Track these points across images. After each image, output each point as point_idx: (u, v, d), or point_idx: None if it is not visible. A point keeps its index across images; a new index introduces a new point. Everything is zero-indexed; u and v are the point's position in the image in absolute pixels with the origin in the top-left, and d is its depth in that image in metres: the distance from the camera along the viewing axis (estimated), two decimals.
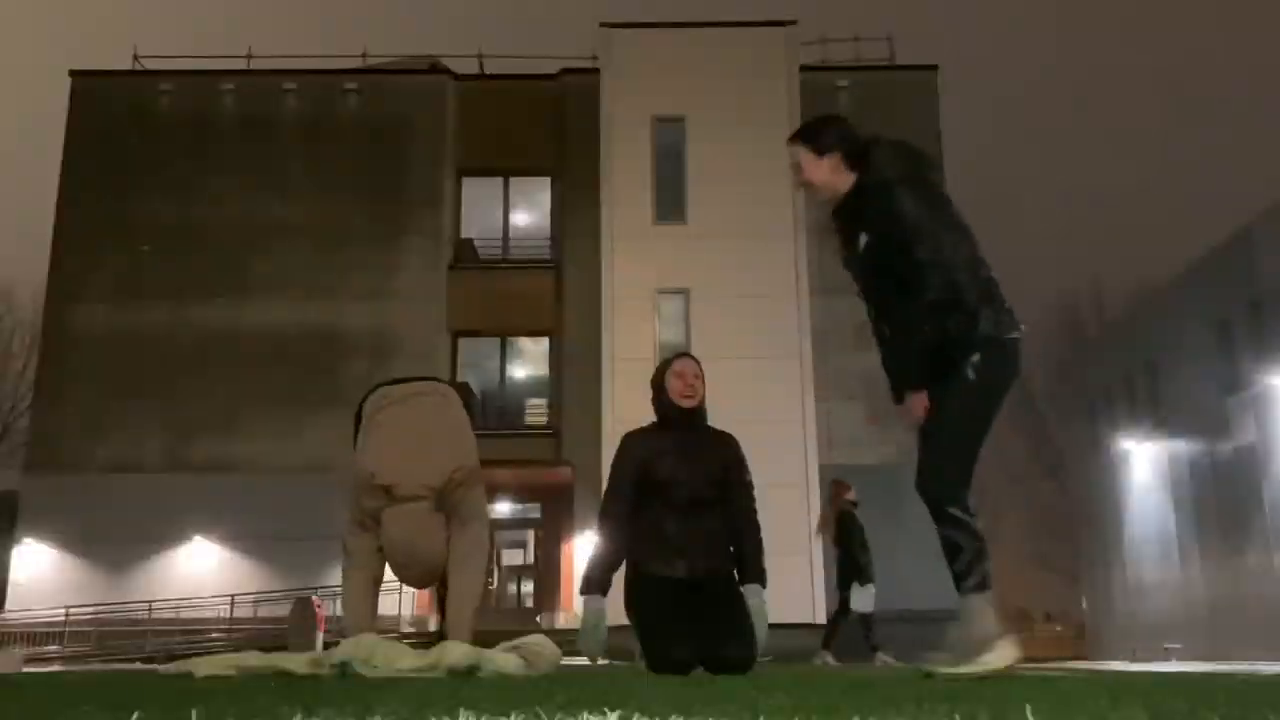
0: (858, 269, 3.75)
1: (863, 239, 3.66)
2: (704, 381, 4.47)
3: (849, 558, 10.33)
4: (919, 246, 3.49)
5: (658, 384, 4.47)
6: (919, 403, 3.54)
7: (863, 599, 10.15)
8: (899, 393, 3.66)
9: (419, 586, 4.51)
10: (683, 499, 4.27)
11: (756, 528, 4.39)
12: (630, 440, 4.47)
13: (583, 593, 4.36)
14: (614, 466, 4.46)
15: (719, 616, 4.19)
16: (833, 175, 3.74)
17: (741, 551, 4.34)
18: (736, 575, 4.34)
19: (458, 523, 4.16)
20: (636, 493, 4.32)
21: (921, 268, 3.49)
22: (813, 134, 3.80)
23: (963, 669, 3.16)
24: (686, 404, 4.39)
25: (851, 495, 10.87)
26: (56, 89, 25.04)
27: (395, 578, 4.29)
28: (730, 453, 4.43)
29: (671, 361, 4.52)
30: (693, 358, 4.54)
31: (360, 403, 4.53)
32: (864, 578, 10.19)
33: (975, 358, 3.46)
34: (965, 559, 3.34)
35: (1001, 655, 3.22)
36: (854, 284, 3.84)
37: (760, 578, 4.32)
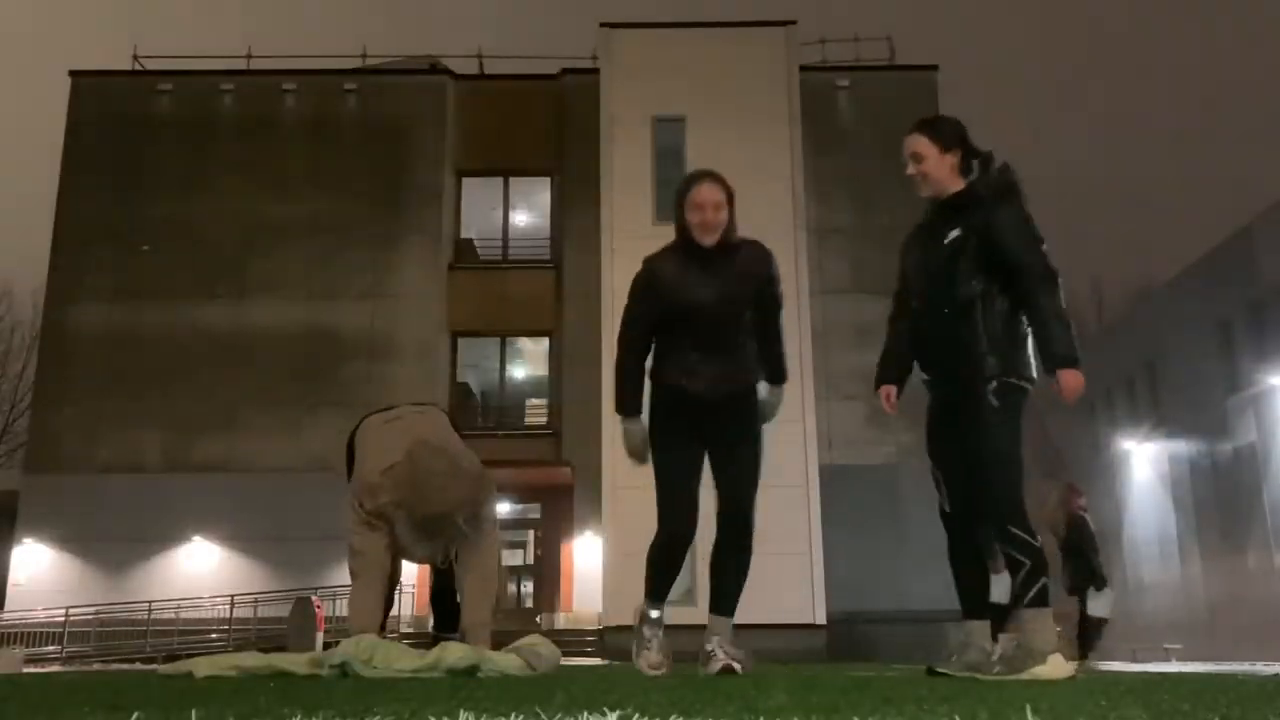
0: (934, 257, 3.88)
1: (954, 233, 3.82)
2: (730, 205, 4.13)
3: (1084, 563, 10.21)
4: (1026, 252, 3.74)
5: (679, 206, 4.18)
6: (1078, 379, 3.76)
7: (1100, 603, 10.18)
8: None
9: (428, 563, 4.46)
10: (706, 325, 4.07)
11: (781, 337, 4.29)
12: (651, 267, 4.20)
13: (619, 413, 4.20)
14: (632, 295, 4.22)
15: (732, 426, 4.10)
16: (950, 174, 3.93)
17: (766, 356, 4.21)
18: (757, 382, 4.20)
19: (471, 525, 4.14)
20: (657, 319, 4.13)
21: (1026, 268, 3.74)
22: (940, 129, 3.97)
23: (1010, 677, 3.30)
24: (707, 240, 4.10)
25: (1083, 502, 10.80)
26: (56, 89, 25.05)
27: (407, 559, 4.26)
28: (762, 273, 4.17)
29: (690, 187, 4.14)
30: (716, 180, 4.16)
31: (350, 435, 4.52)
32: (1099, 582, 10.22)
33: (994, 386, 3.77)
34: (1026, 573, 3.59)
35: (1054, 669, 3.36)
36: (906, 271, 4.07)
37: (782, 377, 4.26)
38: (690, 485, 4.08)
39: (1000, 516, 3.64)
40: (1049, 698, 2.01)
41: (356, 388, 22.31)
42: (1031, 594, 3.54)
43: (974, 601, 3.95)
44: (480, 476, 4.15)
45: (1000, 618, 3.91)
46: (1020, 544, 3.61)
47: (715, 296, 4.05)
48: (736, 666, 4.00)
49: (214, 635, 19.95)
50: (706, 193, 4.12)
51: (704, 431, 4.10)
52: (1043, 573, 3.60)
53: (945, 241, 3.84)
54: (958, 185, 3.90)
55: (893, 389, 4.14)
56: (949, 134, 3.94)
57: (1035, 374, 3.83)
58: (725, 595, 4.21)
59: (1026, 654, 3.43)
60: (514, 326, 23.70)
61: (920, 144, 3.95)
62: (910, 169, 3.96)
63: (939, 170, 3.92)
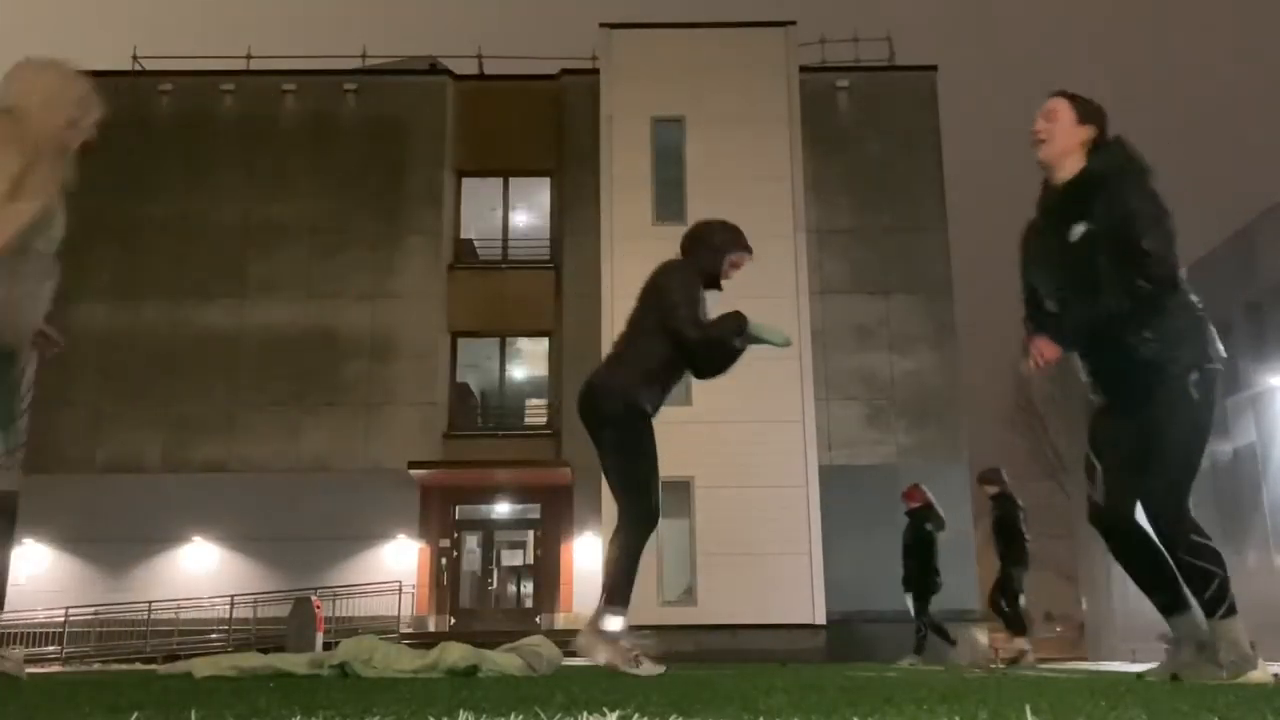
0: (1059, 257, 3.64)
1: (1079, 229, 3.58)
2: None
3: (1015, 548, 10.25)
4: (1148, 237, 3.47)
5: (714, 248, 4.61)
6: (1048, 348, 3.57)
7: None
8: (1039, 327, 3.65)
9: None
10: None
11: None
12: (689, 272, 4.58)
13: (737, 338, 4.47)
14: (682, 281, 4.49)
15: None
16: (1077, 147, 3.66)
17: None
18: None
19: None
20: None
21: (1148, 255, 3.46)
22: (1083, 101, 3.74)
23: (1231, 679, 3.26)
24: (717, 288, 4.69)
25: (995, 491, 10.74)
26: None
27: None
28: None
29: (733, 247, 4.63)
30: (750, 252, 4.69)
31: None
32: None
33: (1195, 376, 3.45)
34: (1219, 584, 3.41)
35: (1263, 673, 3.30)
36: (1032, 271, 3.77)
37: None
38: None
39: (1177, 520, 3.44)
40: (1048, 698, 2.01)
41: (356, 388, 22.31)
42: (1227, 604, 3.44)
43: (1169, 593, 3.65)
44: None
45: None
46: (1204, 550, 3.43)
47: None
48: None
49: (214, 635, 19.96)
50: (747, 259, 4.68)
51: None
52: (1228, 578, 3.45)
53: (1071, 240, 3.59)
54: (1076, 167, 3.64)
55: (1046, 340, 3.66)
56: (1091, 109, 3.70)
57: (1223, 357, 3.56)
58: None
59: (1243, 659, 3.35)
60: (514, 326, 23.69)
61: (1059, 105, 3.72)
62: (1038, 125, 3.71)
63: (1067, 138, 3.66)
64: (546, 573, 22.21)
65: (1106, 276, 3.51)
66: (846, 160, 23.25)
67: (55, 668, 14.51)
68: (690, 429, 18.33)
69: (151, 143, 23.36)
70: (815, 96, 22.46)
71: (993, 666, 8.73)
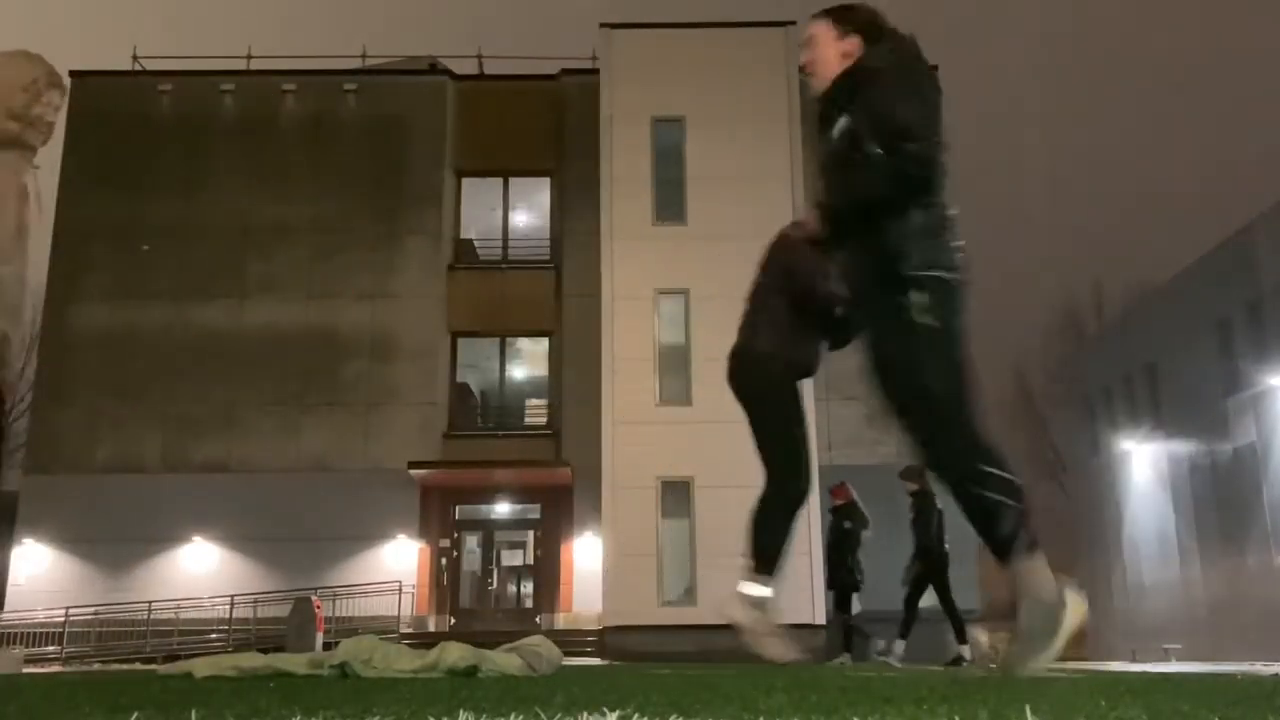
0: (826, 160, 3.27)
1: (840, 123, 3.20)
2: None
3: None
4: (902, 106, 3.07)
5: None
6: (811, 221, 3.30)
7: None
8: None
9: None
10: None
11: None
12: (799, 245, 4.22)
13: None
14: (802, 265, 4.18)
15: None
16: (841, 61, 3.28)
17: None
18: None
19: None
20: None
21: (905, 129, 3.02)
22: (841, 11, 3.37)
23: (1052, 654, 2.78)
24: None
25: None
26: None
27: None
28: None
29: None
30: None
31: None
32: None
33: (925, 299, 2.97)
34: (1016, 518, 2.87)
35: (1075, 610, 2.83)
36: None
37: None
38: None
39: (968, 454, 2.91)
40: (1048, 698, 2.01)
41: (356, 388, 22.31)
42: (1024, 539, 2.88)
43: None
44: None
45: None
46: (993, 480, 2.89)
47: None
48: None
49: (214, 635, 19.96)
50: None
51: None
52: (1028, 510, 2.92)
53: (834, 138, 3.18)
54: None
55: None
56: (851, 17, 3.30)
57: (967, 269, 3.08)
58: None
59: (1046, 612, 2.81)
60: (514, 327, 23.69)
61: (817, 28, 3.34)
62: (803, 58, 3.37)
63: (831, 60, 3.28)
64: (546, 573, 22.21)
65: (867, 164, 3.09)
66: None
67: (55, 668, 14.51)
68: (690, 429, 18.34)
69: (151, 143, 23.37)
70: (815, 96, 22.46)
71: (992, 666, 8.72)
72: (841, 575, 10.78)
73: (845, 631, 10.73)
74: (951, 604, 9.90)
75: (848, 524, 10.78)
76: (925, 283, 2.98)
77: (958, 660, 9.68)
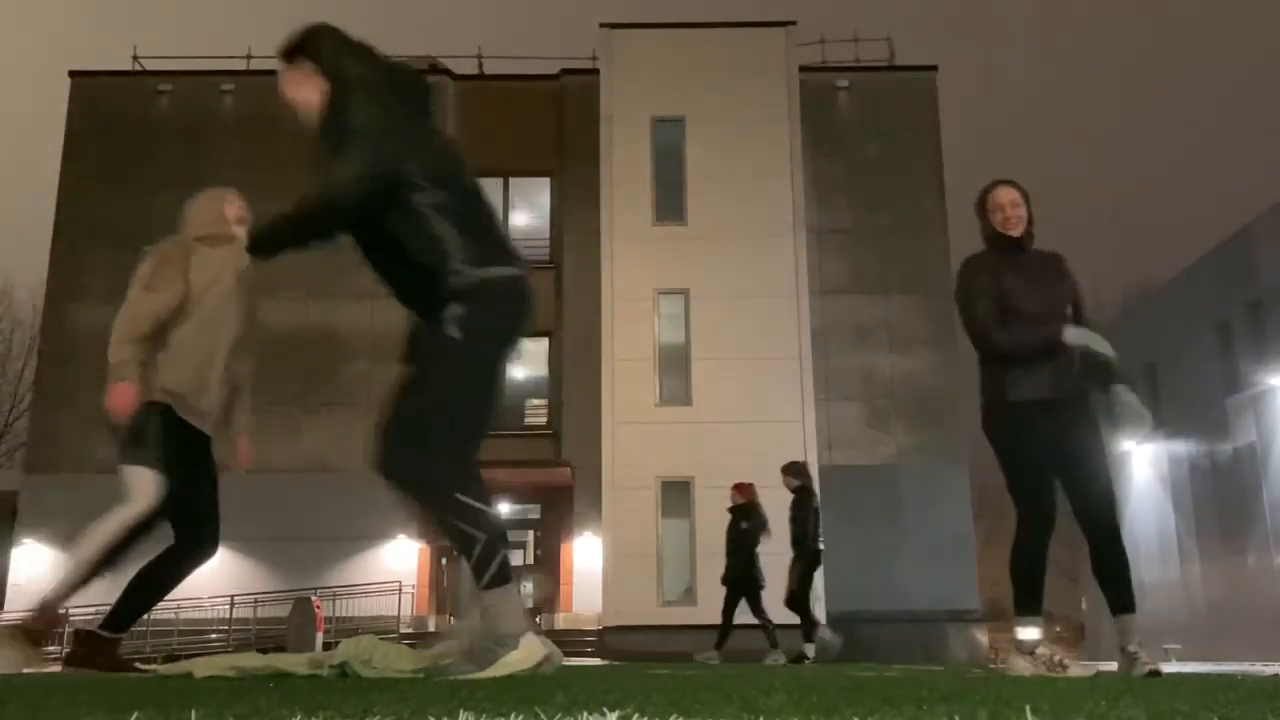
0: None
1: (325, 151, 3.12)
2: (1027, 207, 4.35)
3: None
4: (343, 113, 2.99)
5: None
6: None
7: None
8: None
9: None
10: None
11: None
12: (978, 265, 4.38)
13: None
14: (974, 290, 4.30)
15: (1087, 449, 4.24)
16: (314, 93, 3.15)
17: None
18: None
19: None
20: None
21: (350, 131, 2.94)
22: (297, 47, 3.22)
23: (485, 673, 2.78)
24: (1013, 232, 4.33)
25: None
26: (56, 89, 25.05)
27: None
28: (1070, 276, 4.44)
29: (991, 191, 4.36)
30: (1014, 186, 4.36)
31: None
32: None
33: (456, 309, 2.95)
34: (481, 549, 2.94)
35: (528, 653, 2.85)
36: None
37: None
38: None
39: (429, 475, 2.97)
40: (1048, 698, 2.01)
41: (356, 388, 22.31)
42: (493, 571, 2.92)
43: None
44: None
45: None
46: (468, 512, 2.96)
47: (1039, 298, 4.36)
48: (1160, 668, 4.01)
49: (214, 635, 19.96)
50: (1007, 192, 4.34)
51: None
52: (503, 542, 3.01)
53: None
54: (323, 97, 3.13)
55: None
56: (299, 48, 3.24)
57: (516, 261, 3.11)
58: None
59: (495, 642, 2.85)
60: None
61: (292, 75, 3.16)
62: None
63: (313, 100, 3.18)
64: (546, 573, 22.22)
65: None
66: (846, 160, 23.27)
67: (55, 668, 14.51)
68: (690, 429, 18.35)
69: (151, 143, 23.37)
70: (815, 96, 22.48)
71: (991, 666, 8.72)
72: (746, 575, 10.53)
73: (772, 626, 10.52)
74: (807, 600, 9.96)
75: (744, 524, 10.67)
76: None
77: (800, 658, 9.64)
